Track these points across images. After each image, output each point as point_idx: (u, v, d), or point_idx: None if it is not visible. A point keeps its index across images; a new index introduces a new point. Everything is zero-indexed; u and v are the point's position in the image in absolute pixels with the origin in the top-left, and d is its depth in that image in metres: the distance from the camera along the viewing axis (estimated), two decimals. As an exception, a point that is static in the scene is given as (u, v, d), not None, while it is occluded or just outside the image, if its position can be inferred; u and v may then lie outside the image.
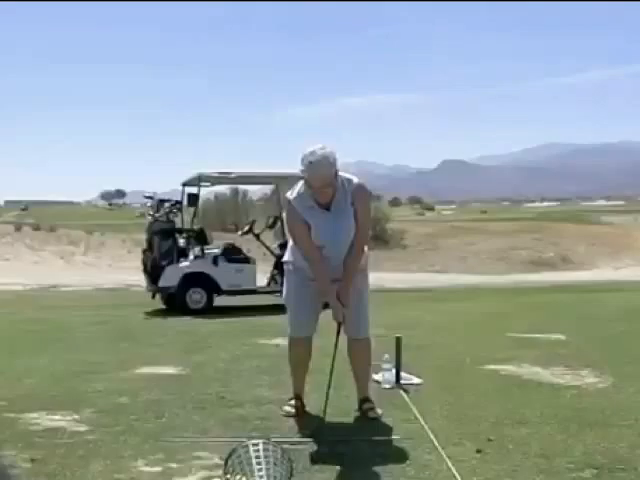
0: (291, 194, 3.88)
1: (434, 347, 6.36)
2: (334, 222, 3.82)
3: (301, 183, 3.85)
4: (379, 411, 4.07)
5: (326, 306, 3.96)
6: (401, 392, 4.57)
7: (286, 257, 4.19)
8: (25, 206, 60.28)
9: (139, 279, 11.67)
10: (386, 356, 4.80)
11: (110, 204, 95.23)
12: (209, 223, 23.89)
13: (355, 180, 3.87)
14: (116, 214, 54.12)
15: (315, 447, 3.44)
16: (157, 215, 10.33)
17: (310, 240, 3.85)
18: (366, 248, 4.07)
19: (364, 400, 4.12)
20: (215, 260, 10.09)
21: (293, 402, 4.16)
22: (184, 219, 10.57)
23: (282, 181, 10.67)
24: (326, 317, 4.05)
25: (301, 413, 4.10)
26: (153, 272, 10.11)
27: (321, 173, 3.70)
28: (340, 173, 3.81)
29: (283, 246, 8.16)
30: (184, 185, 10.48)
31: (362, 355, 4.14)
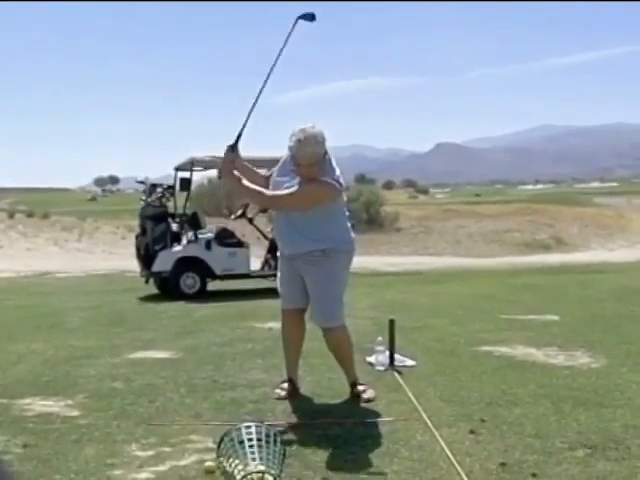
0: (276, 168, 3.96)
1: (428, 329, 6.37)
2: None
3: (288, 154, 3.86)
4: (372, 393, 4.06)
5: None
6: (395, 374, 4.57)
7: None
8: None
9: (133, 264, 11.64)
10: (379, 338, 4.81)
11: (103, 190, 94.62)
12: (202, 207, 23.78)
13: (336, 172, 3.83)
14: (111, 199, 54.06)
15: (308, 429, 3.43)
16: (149, 200, 10.27)
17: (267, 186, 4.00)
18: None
19: (354, 384, 4.09)
20: (208, 244, 10.05)
21: (285, 385, 4.15)
22: (177, 204, 10.52)
23: (275, 165, 10.61)
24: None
25: (293, 396, 4.09)
26: (146, 257, 10.08)
27: (308, 152, 3.70)
28: (334, 164, 3.81)
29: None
30: (177, 170, 10.42)
31: (335, 345, 4.04)
